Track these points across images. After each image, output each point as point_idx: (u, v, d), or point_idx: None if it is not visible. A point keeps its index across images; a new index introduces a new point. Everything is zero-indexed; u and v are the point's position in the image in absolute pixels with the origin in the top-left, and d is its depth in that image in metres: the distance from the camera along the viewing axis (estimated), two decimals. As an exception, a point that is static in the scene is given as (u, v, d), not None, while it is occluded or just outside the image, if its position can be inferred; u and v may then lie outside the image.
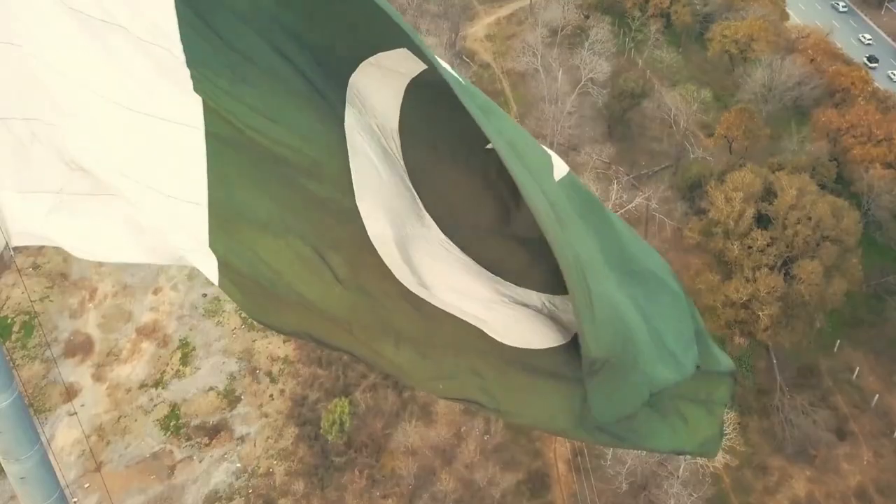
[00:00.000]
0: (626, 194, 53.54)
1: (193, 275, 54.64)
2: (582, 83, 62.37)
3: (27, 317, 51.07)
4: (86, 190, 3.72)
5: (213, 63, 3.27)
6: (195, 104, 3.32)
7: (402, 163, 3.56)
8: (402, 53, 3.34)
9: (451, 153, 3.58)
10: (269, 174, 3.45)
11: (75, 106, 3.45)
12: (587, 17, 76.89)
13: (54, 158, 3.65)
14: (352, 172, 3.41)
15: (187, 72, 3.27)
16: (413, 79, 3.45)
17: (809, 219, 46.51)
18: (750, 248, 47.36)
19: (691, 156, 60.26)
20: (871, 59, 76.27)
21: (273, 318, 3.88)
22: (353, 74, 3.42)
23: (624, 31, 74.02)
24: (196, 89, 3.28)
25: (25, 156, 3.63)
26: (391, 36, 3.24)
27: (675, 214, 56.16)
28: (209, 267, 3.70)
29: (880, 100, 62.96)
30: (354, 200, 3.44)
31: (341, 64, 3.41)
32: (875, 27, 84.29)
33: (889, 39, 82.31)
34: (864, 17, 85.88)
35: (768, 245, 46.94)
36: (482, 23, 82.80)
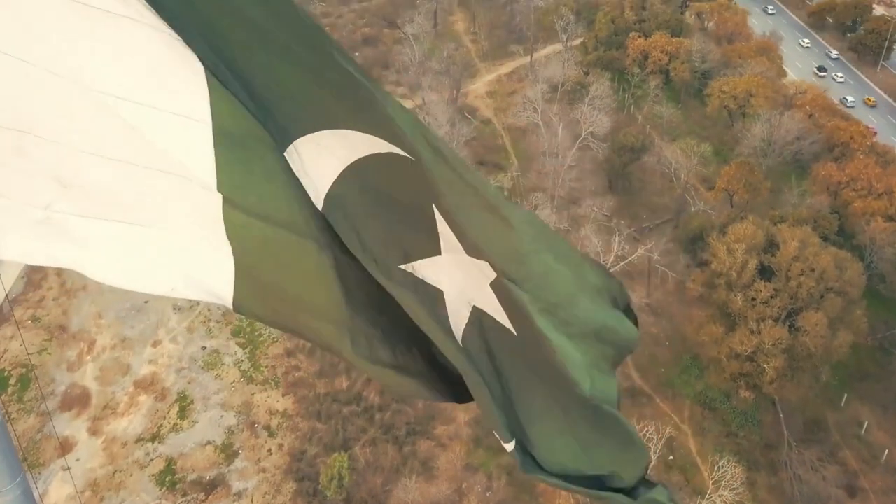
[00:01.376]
0: (628, 247, 53.48)
1: (193, 327, 54.36)
2: (582, 137, 62.94)
3: (24, 369, 50.61)
4: (76, 211, 3.57)
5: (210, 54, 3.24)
6: (203, 95, 3.25)
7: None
8: (345, 134, 3.38)
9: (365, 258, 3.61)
10: (275, 171, 3.43)
11: (75, 109, 3.34)
12: (587, 73, 78.04)
13: (44, 174, 3.49)
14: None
15: (197, 60, 3.21)
16: (349, 165, 3.45)
17: (813, 270, 46.34)
18: (753, 299, 47.09)
19: (692, 209, 60.42)
20: (820, 69, 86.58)
21: (269, 313, 3.84)
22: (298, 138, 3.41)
23: (623, 88, 75.03)
24: (206, 75, 3.23)
25: (12, 166, 3.48)
26: (348, 116, 3.35)
27: (678, 267, 56.03)
28: (220, 266, 3.63)
29: (879, 154, 63.39)
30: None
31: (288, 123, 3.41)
32: (871, 84, 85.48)
33: (885, 96, 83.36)
34: (860, 74, 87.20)
35: (772, 297, 46.69)
36: (483, 80, 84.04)
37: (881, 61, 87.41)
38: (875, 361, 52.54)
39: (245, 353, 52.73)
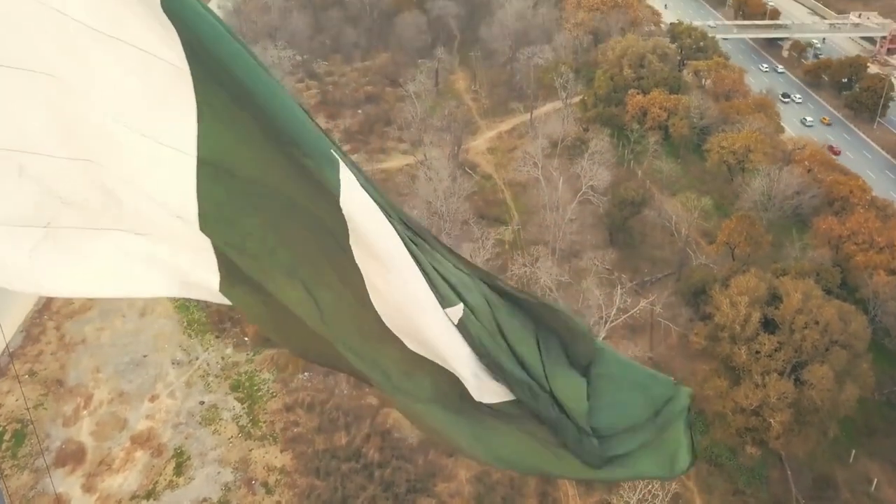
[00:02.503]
0: (630, 300, 53.20)
1: (191, 382, 53.80)
2: (582, 191, 63.25)
3: (19, 425, 49.89)
4: (77, 223, 3.62)
5: (212, 82, 3.18)
6: (191, 125, 3.25)
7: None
8: None
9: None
10: (260, 204, 3.44)
11: (78, 127, 3.34)
12: (587, 129, 78.88)
13: (44, 192, 3.51)
14: (345, 217, 3.39)
15: (191, 84, 3.17)
16: None
17: (817, 323, 45.95)
18: (758, 352, 46.61)
19: (694, 262, 60.36)
20: (784, 95, 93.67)
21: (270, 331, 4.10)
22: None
23: (623, 143, 75.72)
24: (197, 101, 3.22)
25: (13, 188, 3.46)
26: None
27: (680, 320, 55.68)
28: (208, 280, 3.75)
29: (879, 208, 63.60)
30: (349, 242, 3.46)
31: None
32: (869, 140, 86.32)
33: (884, 153, 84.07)
34: (857, 131, 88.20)
35: (776, 350, 46.21)
36: (484, 136, 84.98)
37: (877, 118, 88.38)
38: (882, 417, 51.75)
39: (243, 407, 52.05)
